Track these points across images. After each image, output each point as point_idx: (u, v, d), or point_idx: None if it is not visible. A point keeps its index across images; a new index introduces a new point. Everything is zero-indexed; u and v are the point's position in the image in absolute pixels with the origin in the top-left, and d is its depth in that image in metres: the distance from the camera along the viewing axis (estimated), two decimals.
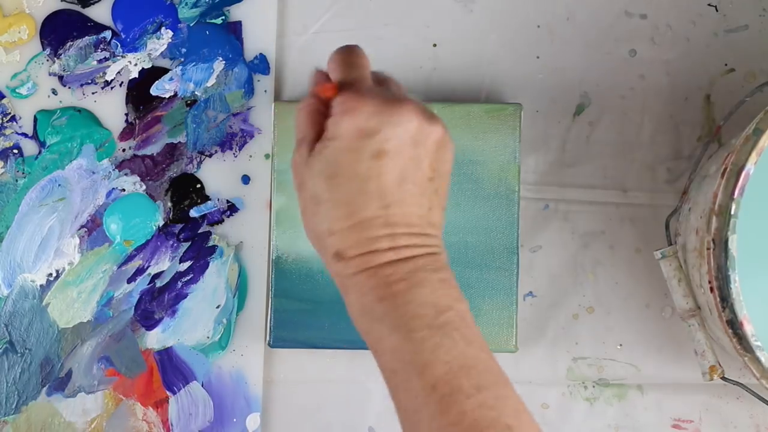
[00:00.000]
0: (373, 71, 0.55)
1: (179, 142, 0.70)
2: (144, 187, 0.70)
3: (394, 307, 0.49)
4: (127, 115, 0.70)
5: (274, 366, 0.70)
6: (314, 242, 0.53)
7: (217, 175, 0.70)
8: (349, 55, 0.54)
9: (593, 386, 0.71)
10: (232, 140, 0.70)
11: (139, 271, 0.69)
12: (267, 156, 0.70)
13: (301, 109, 0.54)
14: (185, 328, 0.69)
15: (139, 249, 0.69)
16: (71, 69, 0.70)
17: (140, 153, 0.70)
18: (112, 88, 0.70)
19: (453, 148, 0.53)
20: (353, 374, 0.70)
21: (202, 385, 0.69)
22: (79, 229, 0.69)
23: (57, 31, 0.70)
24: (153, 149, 0.70)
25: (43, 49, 0.70)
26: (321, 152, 0.51)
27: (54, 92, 0.70)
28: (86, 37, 0.70)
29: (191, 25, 0.70)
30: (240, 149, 0.70)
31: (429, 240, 0.51)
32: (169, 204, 0.70)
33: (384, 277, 0.50)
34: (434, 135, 0.51)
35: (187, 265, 0.70)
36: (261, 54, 0.71)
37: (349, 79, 0.53)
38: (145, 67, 0.70)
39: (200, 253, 0.70)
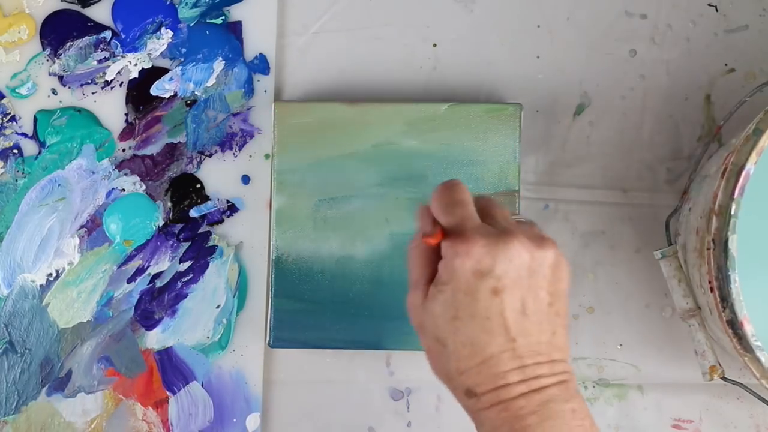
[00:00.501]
0: (476, 196, 0.55)
1: (179, 142, 0.70)
2: (144, 187, 0.70)
3: None
4: (127, 115, 0.70)
5: (274, 366, 0.70)
6: (443, 380, 0.54)
7: (217, 175, 0.70)
8: (449, 193, 0.54)
9: (593, 386, 0.71)
10: (232, 140, 0.70)
11: (139, 271, 0.69)
12: (267, 156, 0.70)
13: (413, 249, 0.55)
14: (185, 328, 0.69)
15: (139, 249, 0.69)
16: (71, 69, 0.70)
17: (140, 153, 0.70)
18: (112, 88, 0.70)
19: (567, 265, 0.53)
20: (353, 374, 0.70)
21: (202, 385, 0.69)
22: (79, 229, 0.69)
23: (57, 31, 0.70)
24: (153, 149, 0.70)
25: (43, 49, 0.70)
26: (437, 296, 0.52)
27: (54, 92, 0.70)
28: (86, 37, 0.70)
29: (191, 25, 0.70)
30: (240, 149, 0.70)
31: (557, 367, 0.52)
32: (169, 204, 0.70)
33: (516, 410, 0.51)
34: (547, 260, 0.52)
35: (187, 265, 0.70)
36: (261, 54, 0.71)
37: (454, 219, 0.53)
38: (145, 67, 0.70)
39: (200, 253, 0.70)
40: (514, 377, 0.51)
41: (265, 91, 0.71)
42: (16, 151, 0.69)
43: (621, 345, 0.71)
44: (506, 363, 0.51)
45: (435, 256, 0.54)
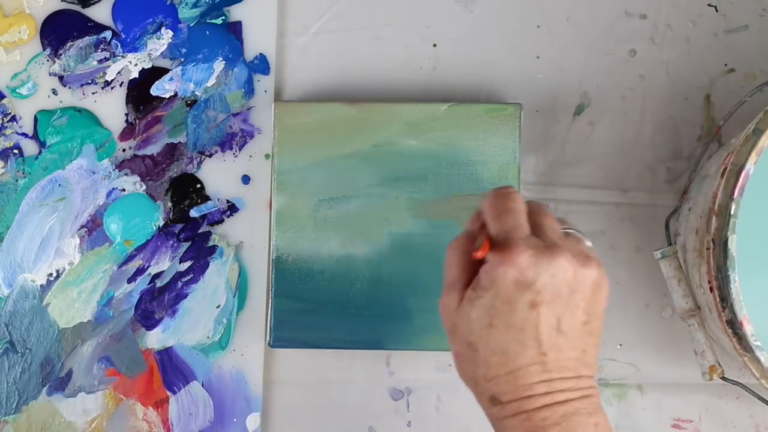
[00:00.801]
0: (529, 202, 0.55)
1: (179, 142, 0.70)
2: (144, 187, 0.70)
3: None
4: (127, 115, 0.70)
5: (274, 366, 0.70)
6: (469, 384, 0.54)
7: (217, 175, 0.70)
8: (503, 201, 0.54)
9: None
10: (232, 140, 0.70)
11: (140, 271, 0.69)
12: (267, 156, 0.70)
13: (453, 249, 0.55)
14: (185, 328, 0.69)
15: (140, 249, 0.70)
16: (71, 69, 0.70)
17: (140, 153, 0.70)
18: (112, 88, 0.70)
19: (607, 284, 0.53)
20: (353, 374, 0.70)
21: (203, 385, 0.69)
22: (80, 229, 0.69)
23: (57, 31, 0.70)
24: (153, 149, 0.70)
25: (44, 49, 0.70)
26: (474, 301, 0.52)
27: (54, 92, 0.70)
28: (86, 37, 0.70)
29: (191, 25, 0.70)
30: (240, 149, 0.70)
31: (583, 382, 0.52)
32: (169, 204, 0.70)
33: (539, 421, 0.51)
34: (589, 278, 0.52)
35: (187, 265, 0.70)
36: (261, 54, 0.71)
37: (504, 227, 0.53)
38: (146, 67, 0.70)
39: (200, 253, 0.70)
40: (540, 389, 0.51)
41: (265, 91, 0.71)
42: (16, 151, 0.69)
43: (621, 345, 0.71)
44: (534, 375, 0.51)
45: (474, 259, 0.54)
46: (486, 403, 0.53)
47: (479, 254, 0.52)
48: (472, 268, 0.54)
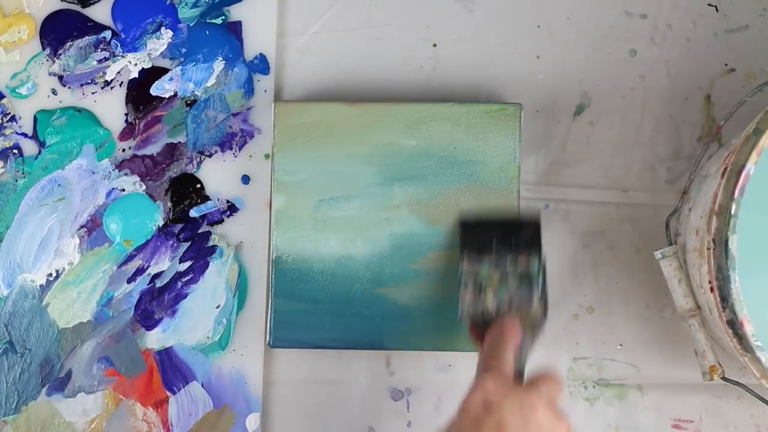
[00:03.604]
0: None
1: (179, 142, 0.70)
2: (144, 187, 0.70)
3: None
4: (127, 115, 0.70)
5: (274, 366, 0.70)
6: None
7: (217, 175, 0.70)
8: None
9: (593, 386, 0.71)
10: (232, 140, 0.70)
11: (139, 271, 0.69)
12: (267, 156, 0.70)
13: None
14: (185, 328, 0.69)
15: (139, 249, 0.69)
16: (71, 69, 0.70)
17: (140, 153, 0.70)
18: (112, 88, 0.70)
19: None
20: (353, 374, 0.70)
21: (202, 385, 0.69)
22: (79, 229, 0.69)
23: (57, 31, 0.70)
24: (153, 149, 0.70)
25: (43, 49, 0.70)
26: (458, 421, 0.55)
27: (54, 92, 0.70)
28: (86, 37, 0.70)
29: (191, 25, 0.70)
30: (240, 149, 0.70)
31: None
32: (169, 204, 0.70)
33: None
34: None
35: (187, 265, 0.70)
36: (261, 54, 0.71)
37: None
38: (145, 67, 0.70)
39: (200, 253, 0.70)
40: None
41: (265, 91, 0.71)
42: (16, 151, 0.69)
43: (621, 345, 0.71)
44: None
45: None
46: None
47: None
48: None
